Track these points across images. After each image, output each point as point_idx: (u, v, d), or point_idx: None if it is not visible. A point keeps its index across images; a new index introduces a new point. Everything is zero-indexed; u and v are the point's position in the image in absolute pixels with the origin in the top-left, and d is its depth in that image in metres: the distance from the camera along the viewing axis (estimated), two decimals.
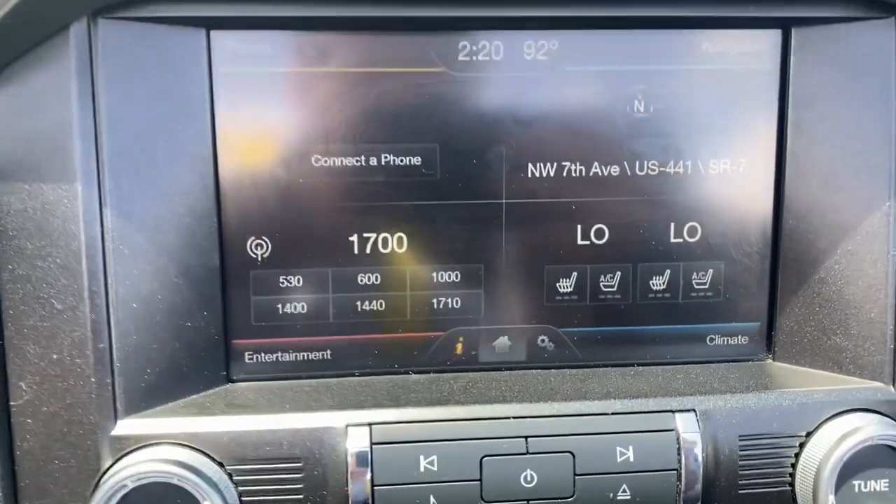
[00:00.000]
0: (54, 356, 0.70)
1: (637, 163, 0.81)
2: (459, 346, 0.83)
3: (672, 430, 0.74)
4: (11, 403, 0.71)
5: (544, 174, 0.80)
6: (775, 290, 0.83)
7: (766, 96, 0.80)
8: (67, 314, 0.70)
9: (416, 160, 0.79)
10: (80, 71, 0.69)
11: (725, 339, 0.85)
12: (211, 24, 0.74)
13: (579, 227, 0.81)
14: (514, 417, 0.74)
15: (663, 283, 0.83)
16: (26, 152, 0.69)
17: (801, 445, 0.76)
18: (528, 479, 0.72)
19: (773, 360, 0.84)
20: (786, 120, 0.80)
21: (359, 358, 0.81)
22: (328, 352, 0.81)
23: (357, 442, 0.71)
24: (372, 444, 0.71)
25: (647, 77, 0.79)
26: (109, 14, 0.70)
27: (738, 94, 0.80)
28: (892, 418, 0.76)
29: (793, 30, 0.78)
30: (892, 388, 0.78)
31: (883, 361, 0.78)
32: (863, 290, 0.78)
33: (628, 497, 0.73)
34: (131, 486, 0.67)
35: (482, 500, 0.72)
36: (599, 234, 0.82)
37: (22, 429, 0.71)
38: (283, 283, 0.79)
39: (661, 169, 0.81)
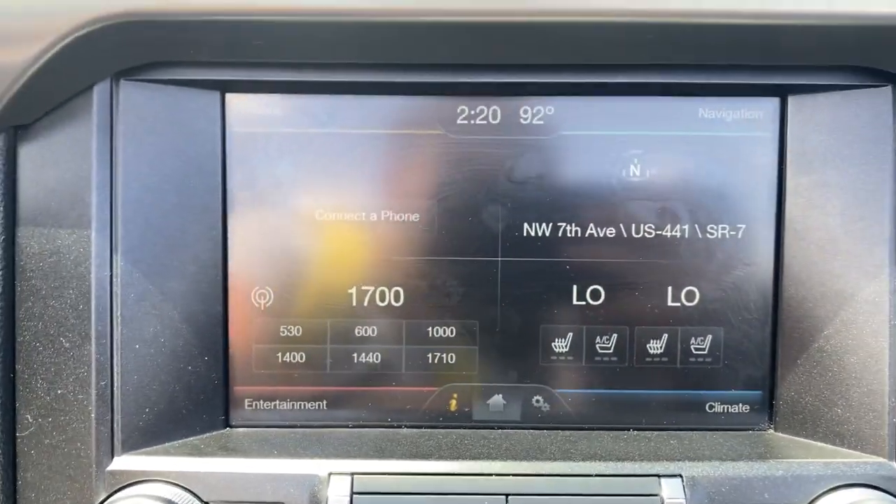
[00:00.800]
0: (59, 391, 0.74)
1: (633, 225, 0.81)
2: (453, 402, 0.84)
3: (657, 495, 0.73)
4: (18, 434, 0.75)
5: (539, 234, 0.81)
6: (776, 358, 0.82)
7: (764, 162, 0.81)
8: (74, 352, 0.74)
9: (415, 217, 0.81)
10: (101, 128, 0.75)
11: (725, 406, 0.83)
12: (226, 87, 0.79)
13: (575, 287, 0.82)
14: (497, 475, 0.74)
15: (661, 347, 0.83)
16: (47, 200, 0.75)
17: None
18: None
19: (775, 430, 0.82)
20: (784, 186, 0.80)
21: (353, 409, 0.83)
22: (324, 402, 0.83)
23: (338, 490, 0.73)
24: (353, 493, 0.73)
25: (643, 142, 0.81)
26: (131, 77, 0.76)
27: (736, 159, 0.81)
28: (891, 495, 0.73)
29: (790, 97, 0.79)
30: (892, 464, 0.74)
31: (883, 435, 0.75)
32: (863, 360, 0.76)
33: None
34: None
35: None
36: (595, 294, 0.82)
37: (25, 459, 0.75)
38: (283, 332, 0.82)
39: (658, 232, 0.82)
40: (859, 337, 0.76)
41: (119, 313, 0.75)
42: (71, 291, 0.75)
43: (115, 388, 0.74)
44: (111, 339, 0.75)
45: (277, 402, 0.83)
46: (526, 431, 0.82)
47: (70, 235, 0.75)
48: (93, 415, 0.74)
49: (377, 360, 0.83)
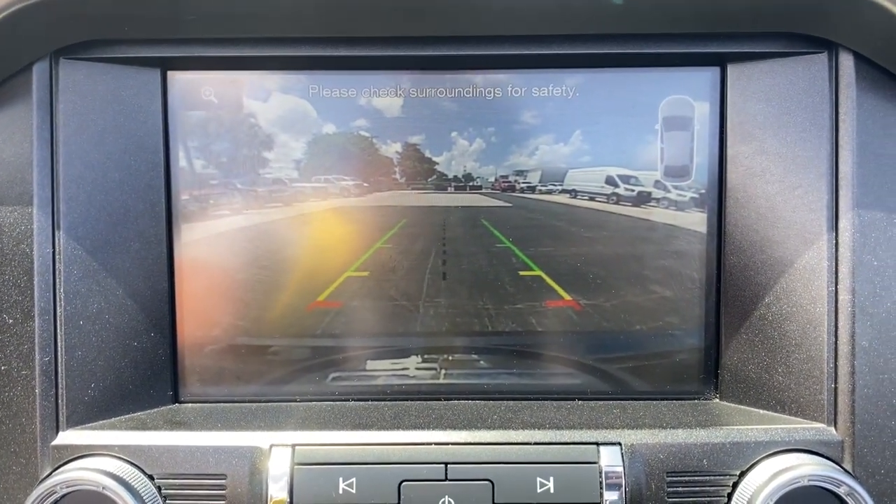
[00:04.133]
0: (2, 367, 0.75)
1: (575, 193, 0.82)
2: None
3: (595, 462, 0.73)
4: None
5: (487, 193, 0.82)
6: (720, 326, 0.82)
7: (704, 132, 0.81)
8: (17, 328, 0.75)
9: (358, 183, 0.82)
10: (41, 106, 0.75)
11: (669, 373, 0.84)
12: (166, 64, 0.80)
13: (520, 254, 0.82)
14: (435, 444, 0.74)
15: (606, 317, 0.83)
16: None
17: (735, 485, 0.73)
18: None
19: (720, 399, 0.83)
20: (725, 154, 0.80)
21: (299, 384, 0.84)
22: (271, 377, 0.84)
23: (279, 462, 0.73)
24: (294, 464, 0.73)
25: (587, 113, 0.81)
26: (70, 55, 0.76)
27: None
28: (829, 459, 0.73)
29: (729, 66, 0.79)
30: (832, 429, 0.75)
31: (822, 401, 0.75)
32: (802, 327, 0.76)
33: None
34: (61, 492, 0.71)
35: None
36: (541, 261, 0.82)
37: None
38: (230, 307, 0.83)
39: (600, 201, 0.82)
40: (799, 304, 0.77)
41: (62, 290, 0.76)
42: (13, 268, 0.75)
43: (59, 364, 0.75)
44: (54, 316, 0.75)
45: (225, 377, 0.84)
46: (469, 402, 0.83)
47: (12, 213, 0.76)
48: (37, 390, 0.75)
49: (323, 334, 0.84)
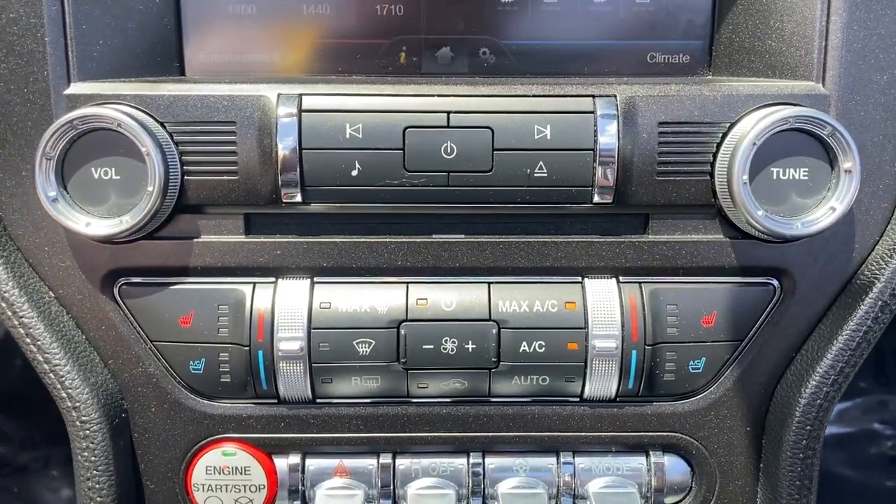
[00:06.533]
0: (11, 14, 0.76)
1: None
2: (403, 55, 0.86)
3: (591, 112, 0.76)
4: None
5: None
6: (716, 4, 0.84)
7: None
8: None
9: None
10: None
11: (666, 56, 0.86)
12: None
13: None
14: (438, 95, 0.77)
15: None
16: None
17: (724, 136, 0.77)
18: (449, 150, 0.76)
19: (713, 74, 0.85)
20: None
21: (304, 61, 0.86)
22: (276, 53, 0.85)
23: (287, 109, 0.76)
24: (301, 111, 0.76)
25: None
26: None
27: None
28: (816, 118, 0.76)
29: None
30: (819, 86, 0.78)
31: (812, 60, 0.78)
32: None
33: (545, 174, 0.76)
34: (77, 129, 0.74)
35: (405, 168, 0.76)
36: None
37: None
38: None
39: None
40: None
41: None
42: None
43: (66, 14, 0.76)
44: None
45: (231, 51, 0.85)
46: (472, 77, 0.85)
47: None
48: (46, 38, 0.76)
49: (327, 10, 0.85)
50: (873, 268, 0.79)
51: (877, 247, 0.80)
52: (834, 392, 0.78)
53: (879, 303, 0.77)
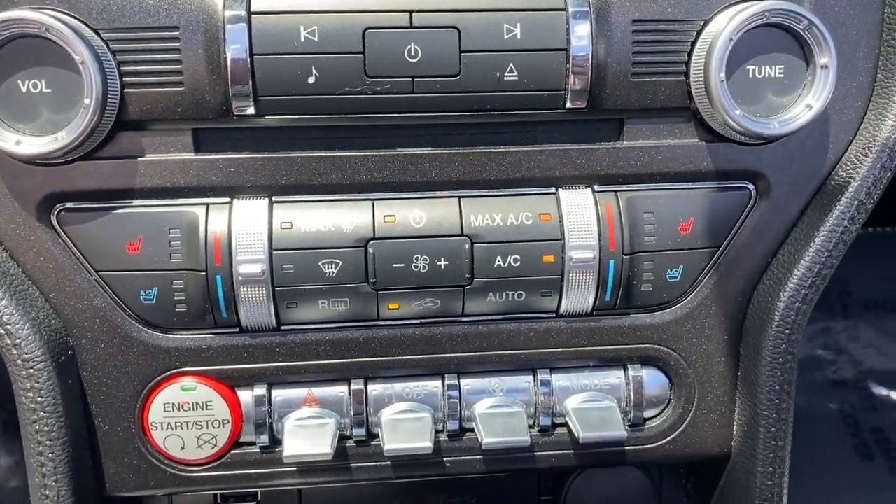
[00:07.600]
0: None
1: None
2: None
3: (562, 9, 0.72)
4: None
5: None
6: None
7: None
8: None
9: None
10: None
11: None
12: None
13: None
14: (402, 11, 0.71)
15: None
16: None
17: (699, 34, 0.74)
18: (412, 53, 0.71)
19: None
20: None
21: None
22: None
23: (235, 11, 0.69)
24: (250, 12, 0.70)
25: None
26: None
27: None
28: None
29: None
30: None
31: None
32: None
33: (515, 77, 0.72)
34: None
35: (365, 74, 0.71)
36: None
37: None
38: None
39: None
40: None
41: None
42: None
43: None
44: None
45: None
46: None
47: None
48: None
49: None
50: (848, 167, 0.78)
51: (850, 146, 0.78)
52: (812, 294, 0.77)
53: (856, 202, 0.76)
